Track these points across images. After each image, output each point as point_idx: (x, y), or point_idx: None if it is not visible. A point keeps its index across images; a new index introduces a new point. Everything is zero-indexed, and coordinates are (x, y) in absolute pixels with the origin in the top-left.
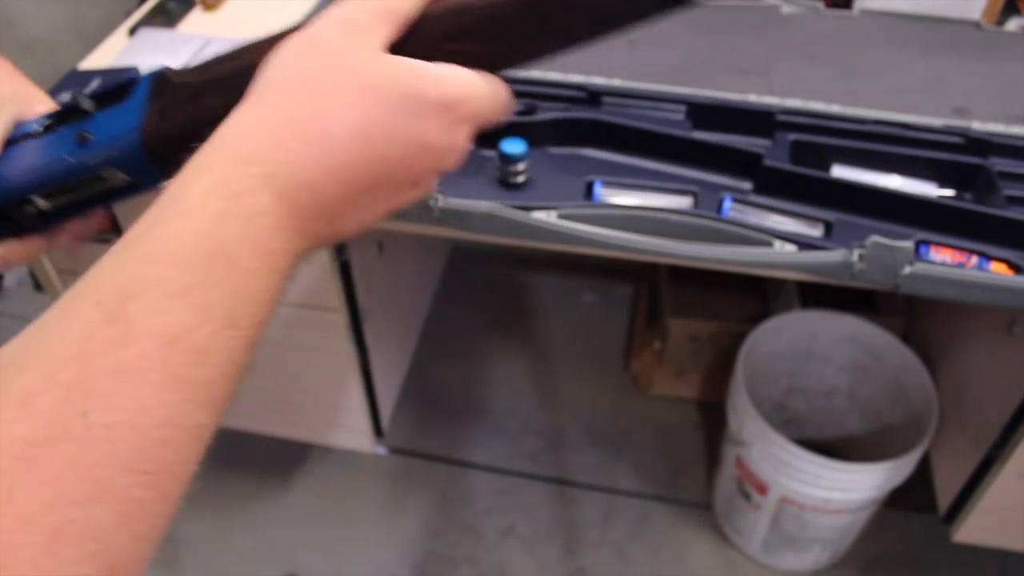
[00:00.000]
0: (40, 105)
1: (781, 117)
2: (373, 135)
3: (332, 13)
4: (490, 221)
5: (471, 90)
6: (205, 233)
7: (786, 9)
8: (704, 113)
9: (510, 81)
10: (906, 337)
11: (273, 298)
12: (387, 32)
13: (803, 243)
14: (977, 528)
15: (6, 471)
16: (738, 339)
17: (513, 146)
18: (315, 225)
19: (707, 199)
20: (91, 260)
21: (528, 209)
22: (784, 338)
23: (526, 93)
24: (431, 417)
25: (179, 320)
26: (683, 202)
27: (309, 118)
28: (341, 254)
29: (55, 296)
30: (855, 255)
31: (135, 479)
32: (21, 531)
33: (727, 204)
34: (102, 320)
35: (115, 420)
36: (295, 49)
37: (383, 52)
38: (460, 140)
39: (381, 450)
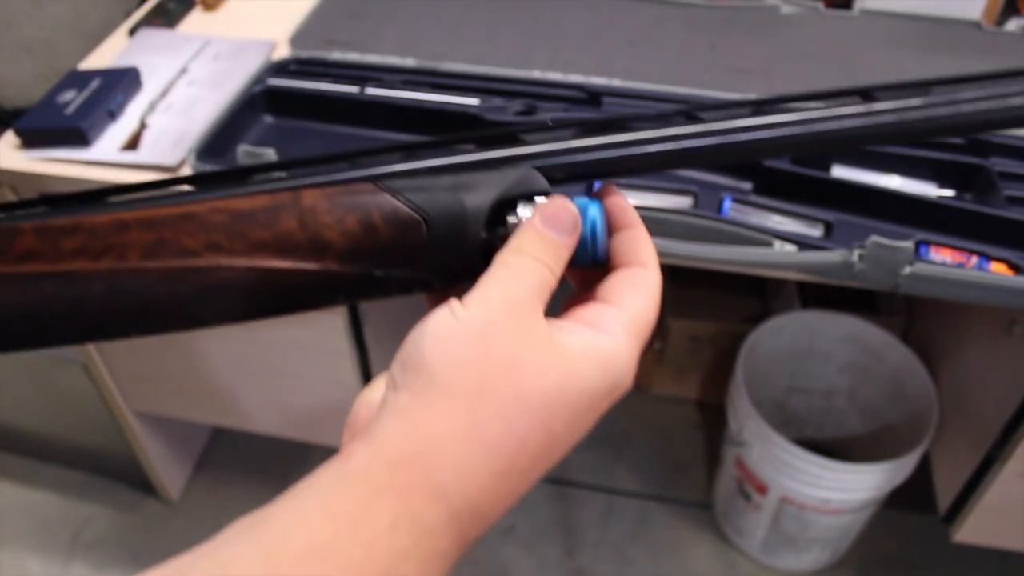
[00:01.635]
0: None
1: None
2: (555, 448)
3: (498, 295)
4: None
5: (633, 355)
6: (382, 570)
7: (786, 9)
8: None
9: (509, 81)
10: (906, 337)
11: None
12: (543, 309)
13: (803, 243)
14: (977, 528)
15: None
16: (738, 339)
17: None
18: (466, 547)
19: (707, 199)
20: None
21: None
22: (784, 338)
23: (526, 93)
24: None
25: None
26: (683, 202)
27: (497, 444)
28: None
29: None
30: (855, 255)
31: None
32: None
33: (727, 204)
34: None
35: None
36: (469, 340)
37: (553, 338)
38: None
39: None
